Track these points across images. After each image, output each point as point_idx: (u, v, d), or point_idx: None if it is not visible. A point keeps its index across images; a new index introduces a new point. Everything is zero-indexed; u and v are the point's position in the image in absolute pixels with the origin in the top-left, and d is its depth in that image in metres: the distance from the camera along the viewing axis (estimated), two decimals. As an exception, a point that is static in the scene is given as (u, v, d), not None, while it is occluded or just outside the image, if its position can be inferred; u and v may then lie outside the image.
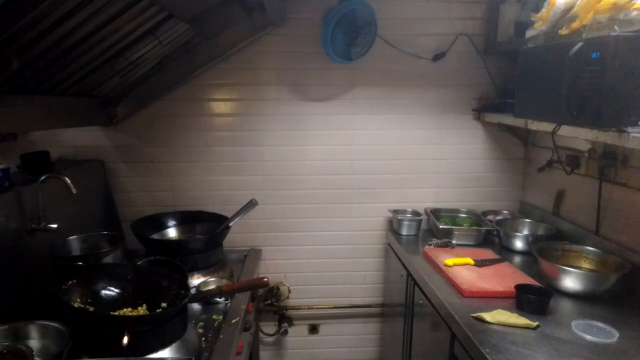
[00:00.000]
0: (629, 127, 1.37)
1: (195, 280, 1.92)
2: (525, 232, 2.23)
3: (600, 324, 1.46)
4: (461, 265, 1.90)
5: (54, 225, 1.65)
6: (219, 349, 1.46)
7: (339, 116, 2.47)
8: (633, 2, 1.37)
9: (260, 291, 2.52)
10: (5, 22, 1.05)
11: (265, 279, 1.62)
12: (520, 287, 1.61)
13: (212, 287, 1.70)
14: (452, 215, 2.46)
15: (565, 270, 1.65)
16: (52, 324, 1.34)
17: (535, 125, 1.88)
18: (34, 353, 1.17)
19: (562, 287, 1.66)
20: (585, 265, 1.81)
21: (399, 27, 2.40)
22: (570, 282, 1.64)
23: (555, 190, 2.27)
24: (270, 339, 2.68)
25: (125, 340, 1.32)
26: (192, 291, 1.63)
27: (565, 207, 2.22)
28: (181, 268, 1.66)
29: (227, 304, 1.80)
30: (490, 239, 2.29)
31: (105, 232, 2.01)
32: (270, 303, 2.59)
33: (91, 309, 1.47)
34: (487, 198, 2.59)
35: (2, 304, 1.44)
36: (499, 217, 2.40)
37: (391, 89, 2.46)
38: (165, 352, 1.33)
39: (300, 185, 2.52)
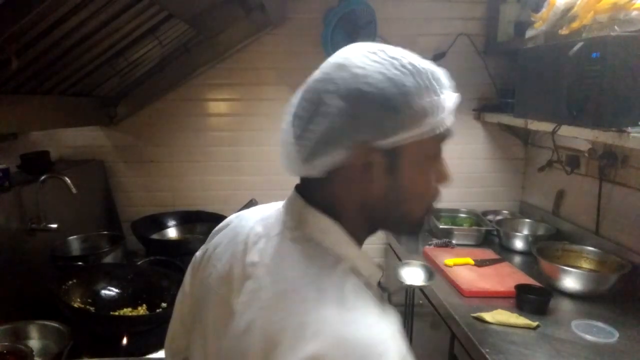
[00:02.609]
0: (629, 127, 1.38)
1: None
2: (525, 232, 2.22)
3: (600, 324, 1.46)
4: (461, 265, 1.90)
5: (54, 225, 1.65)
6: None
7: (339, 116, 2.47)
8: (633, 2, 1.37)
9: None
10: (5, 22, 1.05)
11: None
12: (520, 287, 1.61)
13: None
14: (452, 215, 2.45)
15: (565, 270, 1.65)
16: (52, 324, 1.34)
17: (535, 125, 1.88)
18: (34, 353, 1.18)
19: (562, 287, 1.66)
20: (585, 265, 1.81)
21: (399, 27, 2.39)
22: (570, 282, 1.64)
23: (555, 190, 2.27)
24: (270, 339, 2.68)
25: (125, 340, 1.32)
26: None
27: (565, 207, 2.22)
28: (181, 268, 1.66)
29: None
30: (490, 239, 2.28)
31: (105, 232, 2.02)
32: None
33: (91, 309, 1.48)
34: (487, 198, 2.59)
35: (2, 304, 1.44)
36: (499, 217, 2.40)
37: (391, 89, 2.45)
38: (165, 352, 1.33)
39: (300, 185, 2.51)
